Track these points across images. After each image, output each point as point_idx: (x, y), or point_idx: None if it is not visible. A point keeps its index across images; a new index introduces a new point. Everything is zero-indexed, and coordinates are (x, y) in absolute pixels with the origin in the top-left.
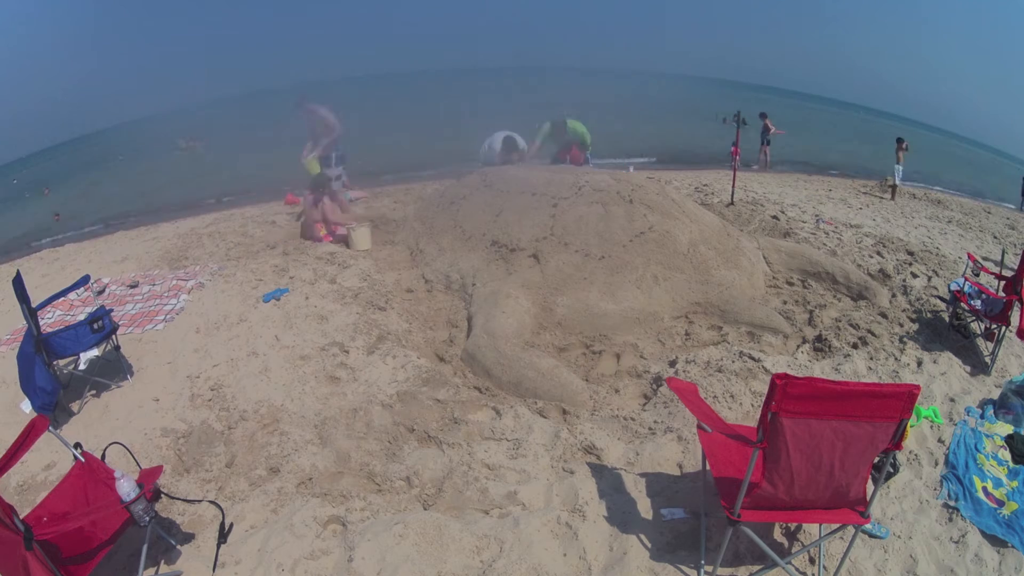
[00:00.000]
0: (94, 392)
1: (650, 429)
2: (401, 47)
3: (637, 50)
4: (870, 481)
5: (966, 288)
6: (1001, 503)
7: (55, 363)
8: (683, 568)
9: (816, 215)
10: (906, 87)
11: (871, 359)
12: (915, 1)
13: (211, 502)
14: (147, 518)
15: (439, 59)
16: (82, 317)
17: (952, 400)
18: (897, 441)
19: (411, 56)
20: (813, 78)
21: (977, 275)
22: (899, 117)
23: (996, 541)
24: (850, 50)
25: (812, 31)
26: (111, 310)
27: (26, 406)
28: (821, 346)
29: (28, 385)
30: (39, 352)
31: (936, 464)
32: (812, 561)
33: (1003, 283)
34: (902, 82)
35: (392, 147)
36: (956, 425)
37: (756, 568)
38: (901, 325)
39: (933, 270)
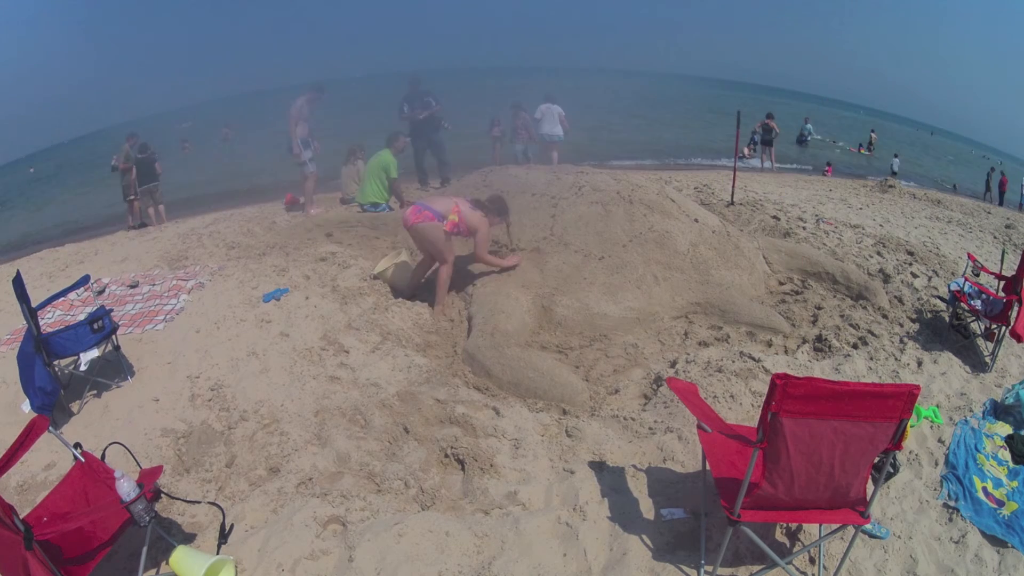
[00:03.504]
0: (94, 392)
1: (650, 429)
2: (400, 47)
3: (636, 50)
4: (870, 481)
5: (966, 288)
6: (1001, 503)
7: (55, 363)
8: (683, 568)
9: (816, 215)
10: (907, 88)
11: (871, 359)
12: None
13: (211, 503)
14: (147, 518)
15: (439, 59)
16: (82, 317)
17: (951, 399)
18: (897, 441)
19: (411, 56)
20: (814, 78)
21: (977, 275)
22: (900, 118)
23: (996, 541)
24: (851, 50)
25: (813, 31)
26: (111, 310)
27: (27, 406)
28: (821, 346)
29: (28, 385)
30: (39, 352)
31: (936, 464)
32: (812, 561)
33: (1003, 283)
34: (903, 83)
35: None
36: (956, 425)
37: (756, 568)
38: (901, 325)
39: (933, 270)
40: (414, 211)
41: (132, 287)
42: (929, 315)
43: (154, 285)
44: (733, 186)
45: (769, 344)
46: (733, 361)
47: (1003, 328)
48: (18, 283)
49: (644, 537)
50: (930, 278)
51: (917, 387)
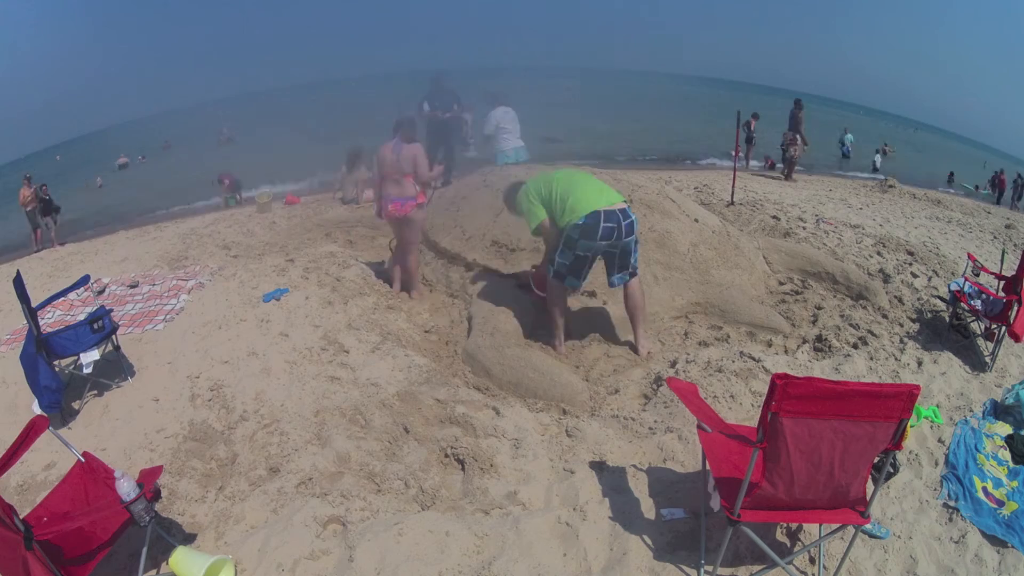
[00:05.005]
0: (94, 392)
1: (650, 429)
2: (400, 48)
3: (636, 50)
4: (870, 481)
5: (966, 288)
6: (1001, 503)
7: (55, 363)
8: (683, 568)
9: (816, 215)
10: (906, 88)
11: (871, 359)
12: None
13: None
14: (147, 518)
15: (441, 59)
16: (82, 317)
17: (951, 399)
18: (897, 441)
19: (410, 57)
20: (814, 78)
21: (977, 275)
22: (899, 117)
23: (996, 541)
24: (850, 50)
25: (813, 31)
26: (111, 310)
27: (36, 407)
28: (821, 346)
29: (35, 386)
30: (40, 352)
31: (936, 464)
32: (812, 561)
33: (1003, 283)
34: (904, 83)
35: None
36: (956, 425)
37: (756, 568)
38: (901, 325)
39: (933, 270)
40: (396, 205)
41: (132, 287)
42: (929, 315)
43: (154, 285)
44: (733, 186)
45: (769, 344)
46: (733, 361)
47: (1003, 328)
48: (18, 283)
49: (644, 537)
50: (930, 278)
51: (917, 387)
